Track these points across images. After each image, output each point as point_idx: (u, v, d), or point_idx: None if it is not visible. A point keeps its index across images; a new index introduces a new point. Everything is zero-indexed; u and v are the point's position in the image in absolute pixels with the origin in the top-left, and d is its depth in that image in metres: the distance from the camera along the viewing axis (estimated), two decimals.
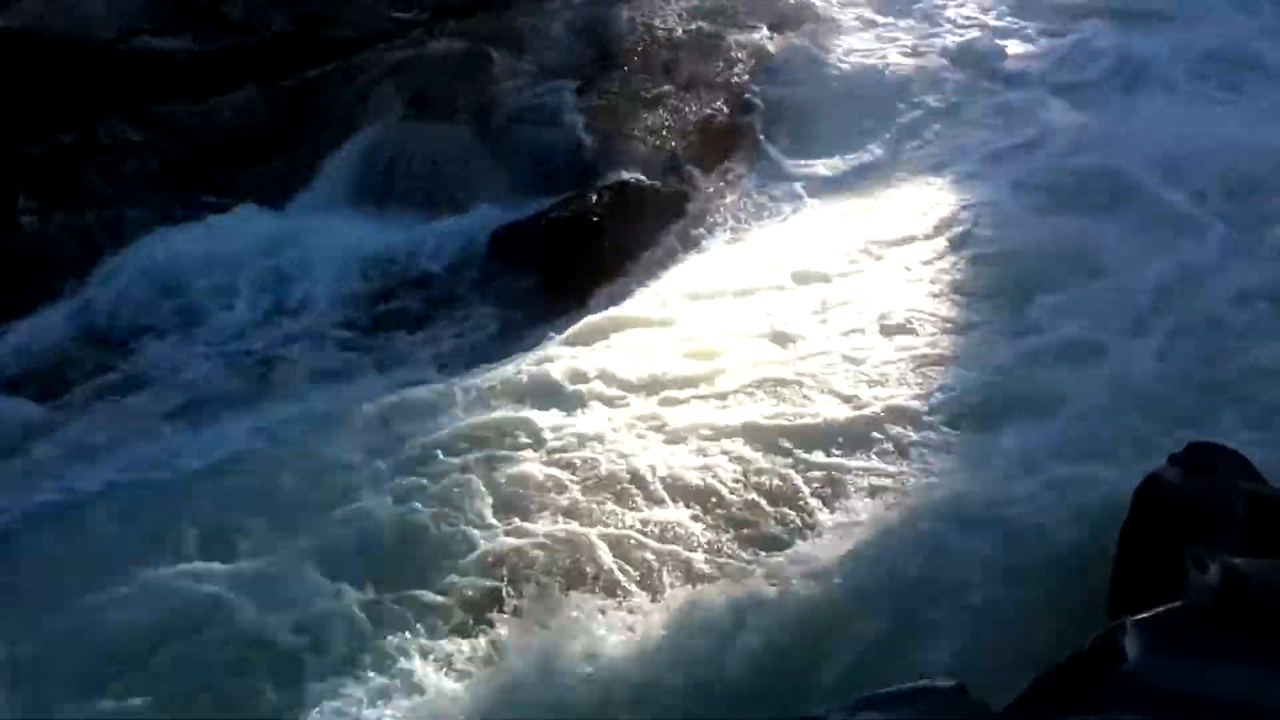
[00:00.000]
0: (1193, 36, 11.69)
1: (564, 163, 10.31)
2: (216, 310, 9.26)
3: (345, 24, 11.72)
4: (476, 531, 6.57)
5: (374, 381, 8.34)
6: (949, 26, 12.55)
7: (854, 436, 7.05)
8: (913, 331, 7.98)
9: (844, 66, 11.76)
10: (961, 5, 12.99)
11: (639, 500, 6.74)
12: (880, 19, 12.68)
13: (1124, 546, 5.43)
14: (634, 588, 6.19)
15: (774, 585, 5.93)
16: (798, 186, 10.26)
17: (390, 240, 9.93)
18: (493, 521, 6.64)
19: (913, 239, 9.15)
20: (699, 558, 6.35)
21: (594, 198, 9.68)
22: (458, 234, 9.92)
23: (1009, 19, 12.72)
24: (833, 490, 6.68)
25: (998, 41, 12.16)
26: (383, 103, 11.05)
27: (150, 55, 10.93)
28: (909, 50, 12.04)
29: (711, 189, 10.19)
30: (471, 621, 6.06)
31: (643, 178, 9.93)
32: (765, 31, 12.28)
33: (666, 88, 11.17)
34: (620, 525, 6.58)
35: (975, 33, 12.38)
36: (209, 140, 10.64)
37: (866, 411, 7.22)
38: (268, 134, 10.83)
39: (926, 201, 9.63)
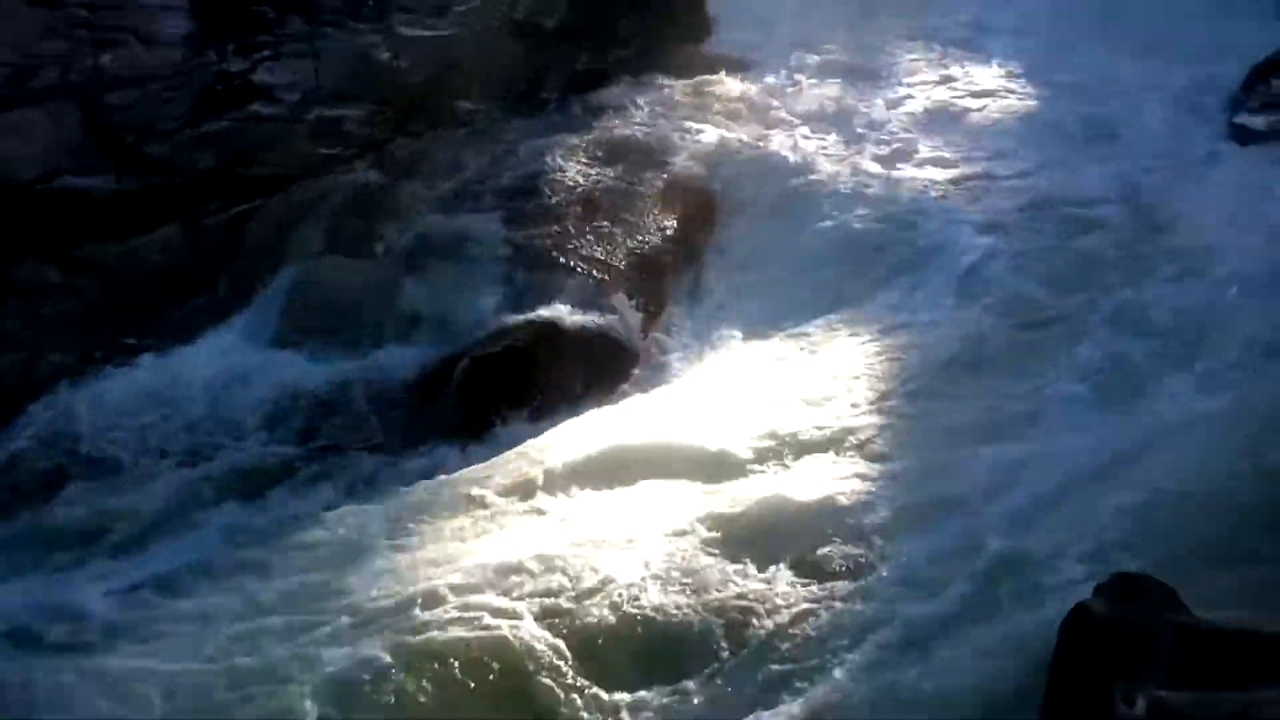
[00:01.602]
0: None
1: (490, 297, 10.27)
2: (137, 451, 9.13)
3: (271, 161, 11.68)
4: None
5: (294, 518, 8.28)
6: (905, 164, 12.60)
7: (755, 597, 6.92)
8: (825, 504, 7.69)
9: (788, 202, 11.77)
10: (921, 141, 13.08)
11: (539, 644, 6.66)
12: (832, 151, 12.74)
13: (1053, 679, 5.39)
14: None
15: None
16: (729, 329, 10.23)
17: (315, 378, 9.88)
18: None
19: (838, 398, 8.94)
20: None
21: (519, 334, 9.66)
22: (383, 370, 9.88)
23: (973, 155, 12.78)
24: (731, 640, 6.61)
25: (952, 179, 12.20)
26: (308, 238, 11.12)
27: (72, 195, 10.82)
28: (858, 187, 11.97)
29: (640, 328, 10.15)
30: None
31: (569, 314, 9.86)
32: (702, 165, 12.32)
33: (598, 221, 11.18)
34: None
35: (931, 169, 12.45)
36: (131, 280, 10.54)
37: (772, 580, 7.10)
38: (191, 272, 10.78)
39: (858, 354, 9.51)
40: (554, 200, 11.54)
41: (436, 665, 6.46)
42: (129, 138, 11.32)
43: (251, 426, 9.44)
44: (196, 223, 11.12)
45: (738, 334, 10.14)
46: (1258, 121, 12.58)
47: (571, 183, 11.79)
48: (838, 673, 6.19)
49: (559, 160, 12.12)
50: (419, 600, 6.93)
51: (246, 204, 11.39)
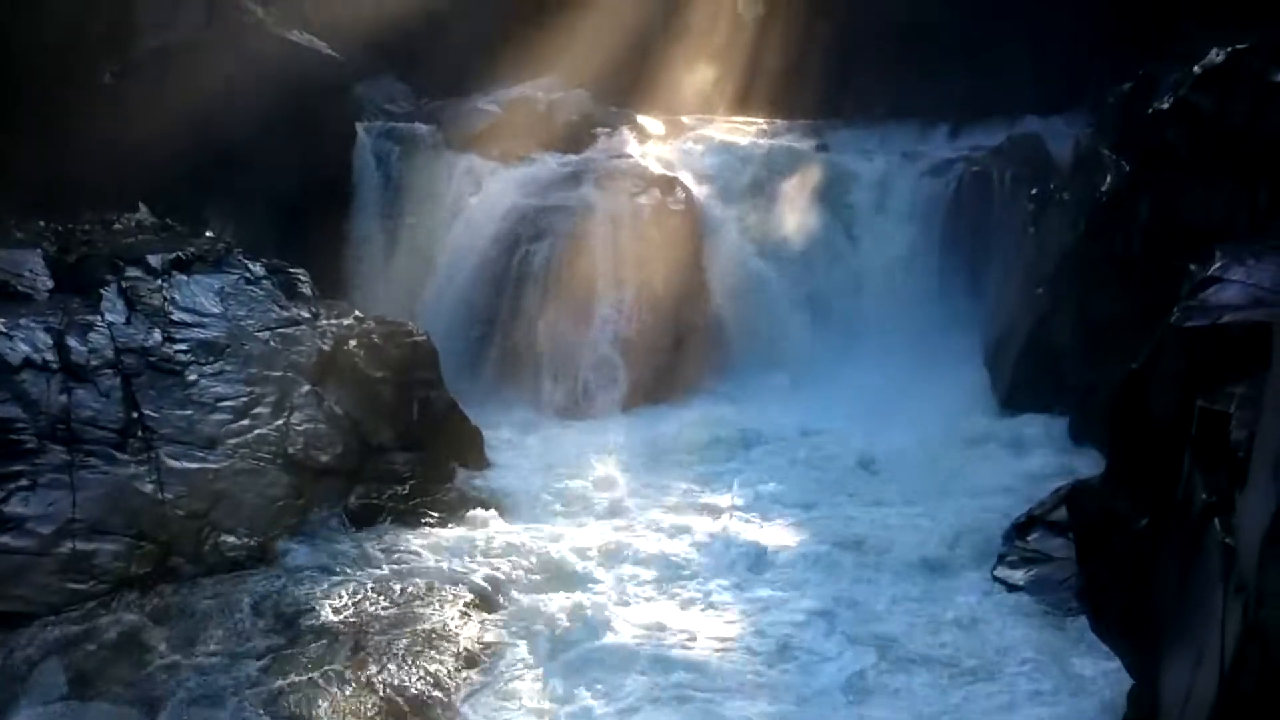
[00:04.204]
0: None
1: None
2: None
3: (13, 596, 11.16)
4: None
5: None
6: (666, 605, 12.51)
7: None
8: None
9: (561, 655, 11.44)
10: (687, 578, 13.05)
11: None
12: (599, 593, 12.58)
13: None
14: None
15: None
16: None
17: None
18: None
19: None
20: None
21: None
22: None
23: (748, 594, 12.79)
24: None
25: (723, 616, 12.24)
26: (43, 683, 10.45)
27: None
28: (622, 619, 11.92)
29: None
30: None
31: None
32: (474, 603, 12.10)
33: (364, 667, 10.76)
34: None
35: (693, 604, 12.44)
36: None
37: None
38: None
39: None
40: (318, 643, 11.13)
41: None
42: None
43: None
44: None
45: None
46: (1017, 576, 12.95)
47: (339, 625, 11.42)
48: None
49: (325, 601, 11.78)
50: None
51: None
